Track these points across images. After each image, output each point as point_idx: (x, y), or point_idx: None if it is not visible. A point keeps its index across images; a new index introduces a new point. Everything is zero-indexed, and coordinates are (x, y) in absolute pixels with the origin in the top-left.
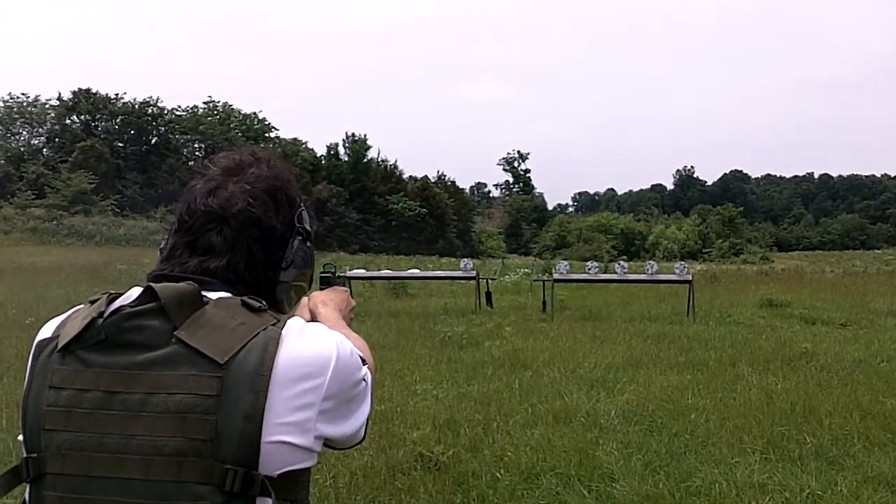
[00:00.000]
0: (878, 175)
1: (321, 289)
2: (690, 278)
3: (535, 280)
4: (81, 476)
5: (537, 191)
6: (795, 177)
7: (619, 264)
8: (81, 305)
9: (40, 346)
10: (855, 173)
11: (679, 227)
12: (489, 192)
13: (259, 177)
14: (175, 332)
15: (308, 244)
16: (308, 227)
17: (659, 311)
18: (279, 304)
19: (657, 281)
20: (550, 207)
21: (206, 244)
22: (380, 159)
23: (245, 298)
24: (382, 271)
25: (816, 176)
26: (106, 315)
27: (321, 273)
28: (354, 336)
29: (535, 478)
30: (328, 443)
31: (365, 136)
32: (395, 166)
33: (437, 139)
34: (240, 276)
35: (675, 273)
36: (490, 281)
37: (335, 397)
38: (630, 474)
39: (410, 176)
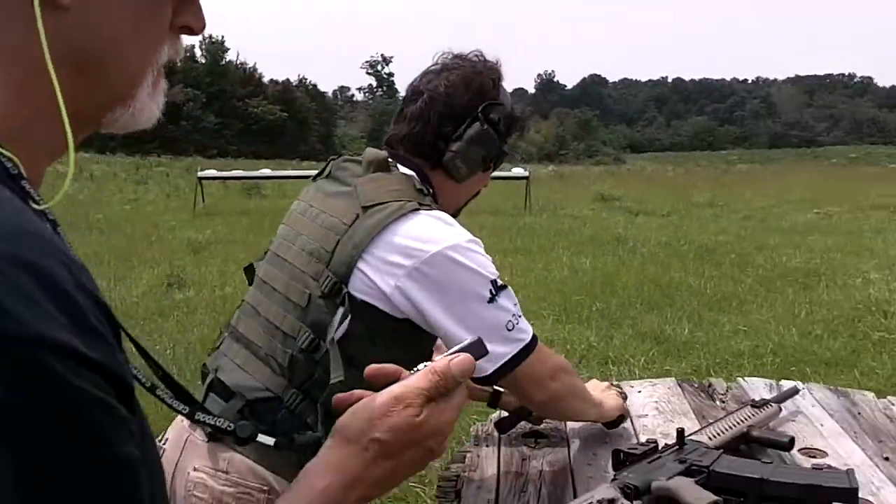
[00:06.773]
0: (728, 79)
1: None
2: (527, 174)
3: None
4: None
5: (401, 94)
6: (650, 80)
7: None
8: None
9: None
10: (706, 77)
11: (538, 129)
12: (352, 96)
13: (463, 68)
14: (357, 177)
15: (486, 129)
16: (494, 118)
17: (501, 206)
18: (449, 171)
19: (495, 178)
20: None
21: (407, 113)
22: (238, 62)
23: (418, 183)
24: (235, 171)
25: (670, 80)
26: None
27: None
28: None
29: None
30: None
31: (222, 38)
32: (255, 69)
33: (299, 44)
34: (416, 144)
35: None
36: None
37: (429, 277)
38: None
39: (271, 79)
